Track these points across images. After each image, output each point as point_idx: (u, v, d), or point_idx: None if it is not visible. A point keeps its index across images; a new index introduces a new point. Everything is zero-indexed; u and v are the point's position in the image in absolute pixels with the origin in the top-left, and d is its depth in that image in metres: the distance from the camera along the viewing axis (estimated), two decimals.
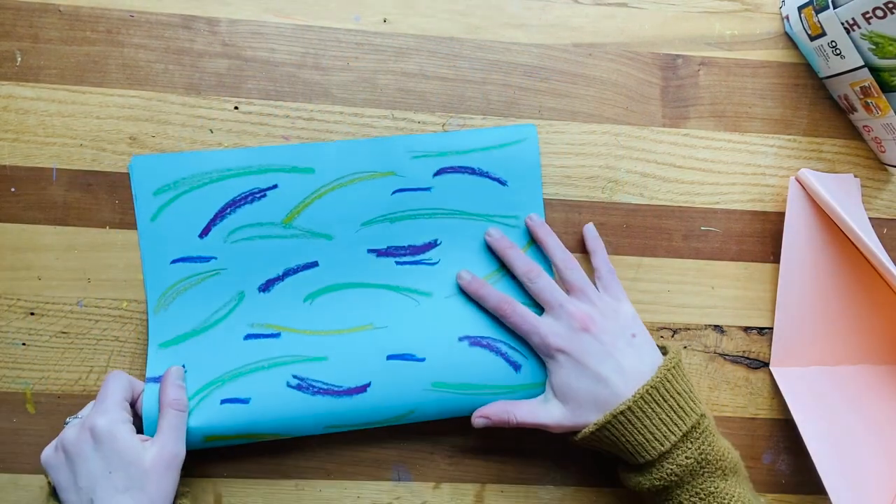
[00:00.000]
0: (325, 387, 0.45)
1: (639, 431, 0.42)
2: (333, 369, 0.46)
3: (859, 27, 0.45)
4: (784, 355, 0.51)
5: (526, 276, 0.47)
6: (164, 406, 0.43)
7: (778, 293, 0.51)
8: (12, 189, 0.47)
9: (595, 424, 0.42)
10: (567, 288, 0.46)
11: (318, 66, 0.49)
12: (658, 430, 0.42)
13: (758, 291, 0.52)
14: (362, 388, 0.45)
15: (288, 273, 0.48)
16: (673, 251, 0.51)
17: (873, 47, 0.46)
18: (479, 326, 0.47)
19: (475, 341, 0.47)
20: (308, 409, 0.45)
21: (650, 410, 0.42)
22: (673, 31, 0.52)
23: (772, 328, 0.52)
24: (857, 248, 0.51)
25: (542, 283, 0.46)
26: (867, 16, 0.44)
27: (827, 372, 0.52)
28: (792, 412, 0.49)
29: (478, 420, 0.45)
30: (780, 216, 0.51)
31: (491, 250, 0.49)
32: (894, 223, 0.53)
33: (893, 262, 0.47)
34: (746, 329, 0.52)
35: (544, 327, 0.45)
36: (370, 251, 0.48)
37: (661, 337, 0.51)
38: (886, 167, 0.53)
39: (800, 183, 0.51)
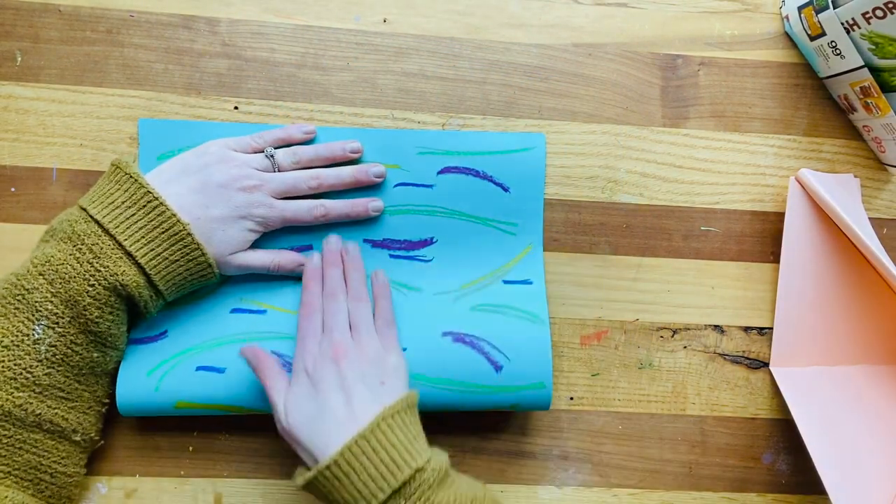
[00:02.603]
0: None
1: (345, 488, 0.38)
2: None
3: (859, 27, 0.45)
4: (784, 355, 0.51)
5: (327, 296, 0.45)
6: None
7: (778, 293, 0.51)
8: (12, 189, 0.47)
9: (304, 479, 0.39)
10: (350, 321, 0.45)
11: (318, 66, 0.49)
12: (366, 486, 0.38)
13: (758, 291, 0.52)
14: None
15: None
16: (673, 251, 0.51)
17: (873, 47, 0.46)
18: (465, 324, 0.47)
19: (458, 338, 0.46)
20: None
21: (358, 465, 0.38)
22: (673, 31, 0.52)
23: (772, 328, 0.52)
24: (857, 248, 0.51)
25: (334, 306, 0.45)
26: (867, 16, 0.44)
27: (827, 372, 0.52)
28: (792, 412, 0.49)
29: (246, 351, 0.44)
30: (780, 216, 0.51)
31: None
32: (894, 223, 0.53)
33: (893, 262, 0.47)
34: (746, 329, 0.52)
35: (309, 343, 0.43)
36: (365, 241, 0.48)
37: (661, 337, 0.51)
38: (886, 167, 0.53)
39: (800, 183, 0.51)
